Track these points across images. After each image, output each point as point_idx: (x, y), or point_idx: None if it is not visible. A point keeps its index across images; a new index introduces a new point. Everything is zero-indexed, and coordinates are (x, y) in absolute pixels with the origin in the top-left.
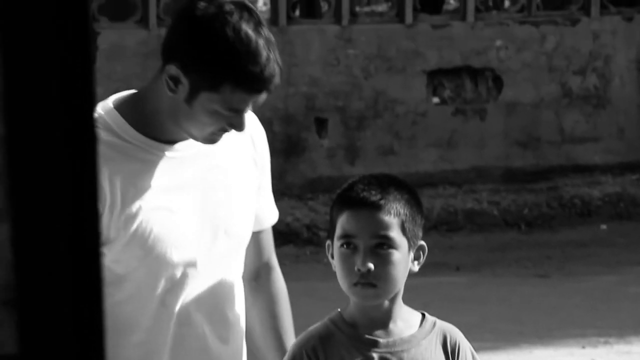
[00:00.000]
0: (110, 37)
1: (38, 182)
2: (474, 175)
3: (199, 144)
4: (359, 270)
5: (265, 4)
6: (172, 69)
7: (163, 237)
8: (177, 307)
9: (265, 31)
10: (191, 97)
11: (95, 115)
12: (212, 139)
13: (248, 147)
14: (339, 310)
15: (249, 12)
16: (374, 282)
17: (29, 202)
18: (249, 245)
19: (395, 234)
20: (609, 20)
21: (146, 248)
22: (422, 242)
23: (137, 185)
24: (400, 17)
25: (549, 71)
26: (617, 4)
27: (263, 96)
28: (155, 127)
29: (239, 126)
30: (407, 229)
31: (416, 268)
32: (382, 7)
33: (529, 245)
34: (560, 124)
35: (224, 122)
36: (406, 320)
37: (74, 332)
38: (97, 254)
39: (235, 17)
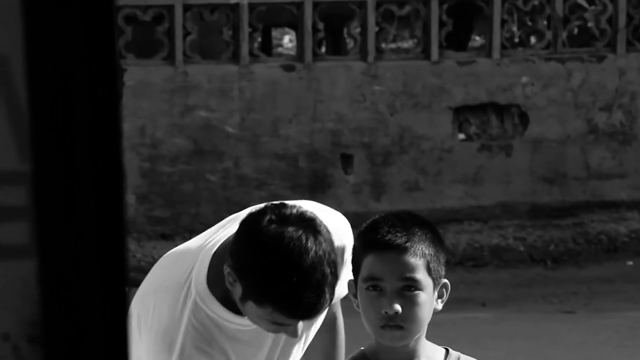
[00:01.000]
0: (137, 74)
1: (65, 218)
2: (499, 211)
3: None
4: (386, 313)
5: (291, 40)
6: (227, 269)
7: None
8: None
9: (322, 253)
10: (242, 300)
11: (194, 307)
12: (271, 331)
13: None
14: (362, 349)
15: (315, 237)
16: (401, 324)
17: (55, 238)
18: None
19: (422, 275)
20: (635, 57)
21: None
22: (445, 280)
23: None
24: (426, 53)
25: (575, 107)
26: None
27: (314, 320)
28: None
29: (292, 334)
30: (432, 269)
31: (440, 306)
32: (408, 44)
33: (555, 281)
34: (587, 160)
35: (275, 328)
36: (430, 358)
37: None
38: (124, 292)
39: (296, 243)
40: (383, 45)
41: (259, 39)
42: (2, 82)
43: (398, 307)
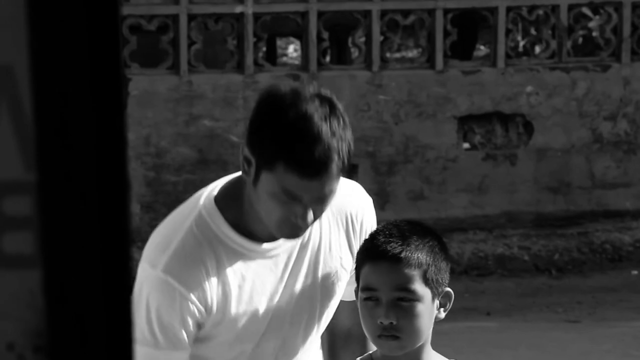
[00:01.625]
0: (142, 83)
1: (70, 228)
2: (504, 221)
3: (291, 243)
4: (381, 323)
5: (296, 50)
6: (245, 150)
7: (246, 338)
8: None
9: (336, 124)
10: (256, 178)
11: (197, 215)
12: (285, 231)
13: (347, 225)
14: (369, 353)
15: (326, 102)
16: (397, 334)
17: (60, 248)
18: (343, 310)
19: (417, 285)
20: (639, 66)
21: (227, 345)
22: (448, 289)
23: (232, 287)
24: (430, 63)
25: (580, 117)
26: None
27: (323, 189)
28: (250, 224)
29: (303, 219)
30: (430, 279)
31: (442, 315)
32: (412, 53)
33: (560, 291)
34: (591, 169)
35: (286, 211)
36: None
37: None
38: (128, 301)
39: (306, 103)
40: (388, 54)
41: (264, 49)
42: (7, 91)
43: (392, 318)
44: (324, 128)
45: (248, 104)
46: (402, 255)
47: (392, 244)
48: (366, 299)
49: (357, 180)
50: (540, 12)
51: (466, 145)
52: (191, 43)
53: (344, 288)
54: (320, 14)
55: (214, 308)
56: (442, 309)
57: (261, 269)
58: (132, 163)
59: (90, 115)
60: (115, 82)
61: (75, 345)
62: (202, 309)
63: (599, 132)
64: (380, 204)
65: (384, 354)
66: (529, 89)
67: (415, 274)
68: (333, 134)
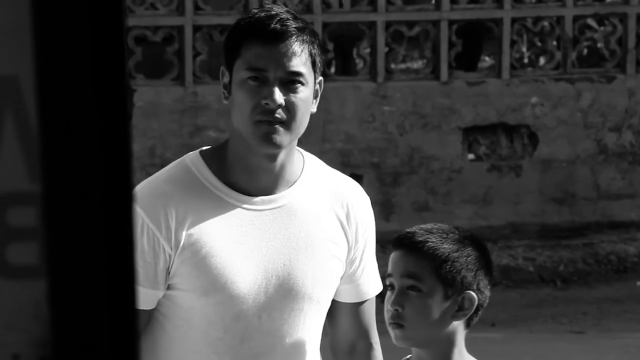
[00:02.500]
0: (147, 94)
1: (75, 239)
2: (509, 232)
3: (281, 200)
4: (389, 310)
5: None
6: (223, 73)
7: (222, 285)
8: (229, 358)
9: (300, 22)
10: (230, 83)
11: (181, 160)
12: (261, 128)
13: (340, 213)
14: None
15: (287, 8)
16: (401, 322)
17: (65, 259)
18: (345, 316)
19: (427, 278)
20: None
21: (202, 293)
22: (470, 293)
23: (206, 230)
24: (435, 74)
25: (585, 128)
26: None
27: (285, 60)
28: (236, 174)
29: (269, 97)
30: (444, 275)
31: (460, 318)
32: (417, 65)
33: (565, 302)
34: (596, 180)
35: (255, 96)
36: None
37: None
38: (134, 311)
39: (269, 5)
40: (392, 65)
41: None
42: (12, 102)
43: (396, 305)
44: (282, 11)
45: None
46: (419, 245)
47: (416, 234)
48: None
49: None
50: (545, 23)
51: (471, 156)
52: (196, 54)
53: (339, 278)
54: (325, 25)
55: (182, 244)
56: (460, 312)
57: (242, 220)
58: (137, 174)
59: (95, 126)
60: (120, 93)
61: (80, 356)
62: (165, 242)
63: (604, 143)
64: (385, 215)
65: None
66: (533, 100)
67: (426, 265)
68: (295, 18)
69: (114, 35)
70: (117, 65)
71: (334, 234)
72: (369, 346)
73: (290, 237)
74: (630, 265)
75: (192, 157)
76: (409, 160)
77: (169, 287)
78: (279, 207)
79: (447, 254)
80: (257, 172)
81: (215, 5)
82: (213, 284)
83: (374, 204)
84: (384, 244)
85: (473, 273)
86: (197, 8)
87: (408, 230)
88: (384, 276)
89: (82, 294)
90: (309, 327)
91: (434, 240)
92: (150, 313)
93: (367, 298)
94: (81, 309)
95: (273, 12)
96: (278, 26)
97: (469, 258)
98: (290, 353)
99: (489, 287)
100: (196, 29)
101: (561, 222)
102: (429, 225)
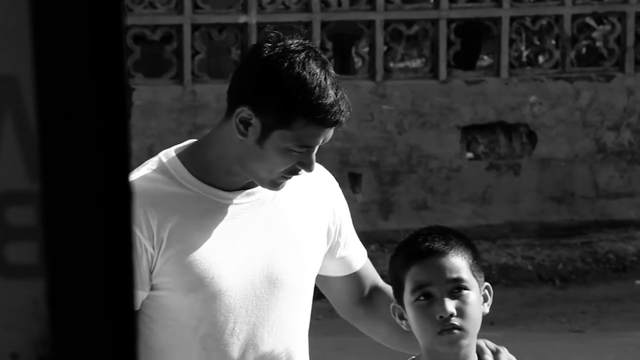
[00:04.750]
0: (145, 93)
1: (73, 238)
2: (508, 230)
3: (259, 193)
4: (441, 317)
5: None
6: (244, 112)
7: (209, 280)
8: (218, 353)
9: (331, 70)
10: (263, 137)
11: (156, 160)
12: (278, 182)
13: (314, 197)
14: (413, 357)
15: (314, 52)
16: (458, 324)
17: (64, 258)
18: (348, 285)
19: (467, 275)
20: None
21: (190, 289)
22: (487, 283)
23: (188, 226)
24: (434, 73)
25: (583, 127)
26: None
27: (330, 133)
28: (215, 174)
29: (309, 165)
30: (474, 270)
31: (487, 309)
32: (416, 63)
33: (564, 301)
34: (595, 179)
35: (294, 161)
36: None
37: None
38: (132, 311)
39: (302, 55)
40: (391, 64)
41: None
42: (11, 101)
43: (452, 308)
44: (328, 78)
45: None
46: (448, 248)
47: (435, 241)
48: (417, 299)
49: (360, 190)
50: (544, 22)
51: (470, 155)
52: (195, 53)
53: (320, 262)
54: (323, 24)
55: (164, 243)
56: (485, 304)
57: (222, 214)
58: None
59: (94, 125)
60: (119, 92)
61: (79, 355)
62: (147, 241)
63: (603, 142)
64: (384, 213)
65: (444, 352)
66: (532, 99)
67: (464, 263)
68: (336, 80)
69: (113, 34)
70: (116, 64)
71: (312, 220)
72: (382, 287)
73: (271, 228)
74: (629, 264)
75: (168, 157)
76: (408, 159)
77: (153, 288)
78: (257, 200)
79: (468, 250)
80: (233, 176)
81: (214, 4)
82: (200, 279)
83: (372, 202)
84: (382, 243)
85: (480, 262)
86: (195, 7)
87: (419, 239)
88: (384, 275)
89: (81, 293)
90: (296, 315)
91: (453, 240)
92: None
93: (360, 267)
94: (80, 308)
95: (324, 86)
96: (338, 105)
97: (473, 248)
98: (279, 342)
99: None
100: (195, 27)
101: (560, 221)
102: (424, 230)
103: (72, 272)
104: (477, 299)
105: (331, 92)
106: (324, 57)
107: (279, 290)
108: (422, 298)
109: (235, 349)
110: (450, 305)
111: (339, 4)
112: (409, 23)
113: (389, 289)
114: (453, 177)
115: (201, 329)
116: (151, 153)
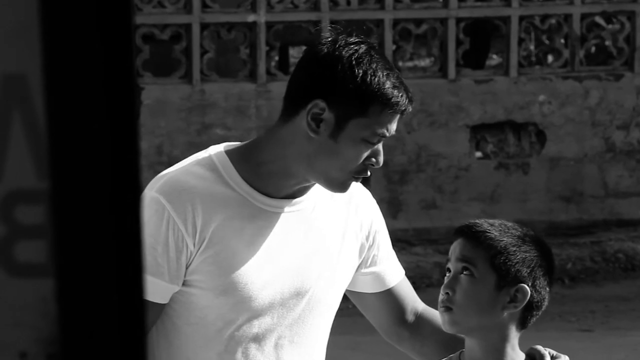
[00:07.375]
0: (154, 92)
1: (83, 237)
2: None
3: (301, 203)
4: (442, 294)
5: None
6: (316, 107)
7: (242, 285)
8: (239, 356)
9: (385, 57)
10: (338, 129)
11: (206, 156)
12: (348, 183)
13: (350, 212)
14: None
15: (373, 45)
16: (450, 305)
17: (73, 257)
18: (384, 302)
19: (481, 264)
20: None
21: (221, 292)
22: (524, 286)
23: (230, 229)
24: (443, 72)
25: (592, 126)
26: None
27: (396, 123)
28: (264, 178)
29: (380, 157)
30: (498, 265)
31: (511, 310)
32: (425, 62)
33: (573, 300)
34: (604, 178)
35: (367, 154)
36: None
37: None
38: (142, 309)
39: (365, 47)
40: (400, 63)
41: (276, 58)
42: (20, 100)
43: (447, 289)
44: (390, 65)
45: (260, 112)
46: (478, 233)
47: (477, 224)
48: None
49: (369, 189)
50: (553, 21)
51: (478, 154)
52: (204, 52)
53: (351, 276)
54: (332, 23)
55: (205, 242)
56: (511, 304)
57: (264, 221)
58: (145, 172)
59: (103, 124)
60: (128, 91)
61: (88, 354)
62: (189, 238)
63: (612, 141)
64: (393, 212)
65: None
66: (541, 98)
67: (482, 252)
68: (395, 70)
69: (122, 33)
70: (125, 63)
71: (347, 235)
72: (422, 307)
73: (308, 239)
74: (638, 264)
75: (218, 155)
76: (417, 158)
77: (184, 284)
78: (298, 210)
79: (504, 245)
80: (286, 180)
81: (223, 3)
82: (233, 284)
83: (381, 201)
84: (391, 242)
85: (529, 269)
86: (204, 6)
87: (472, 220)
88: None
89: (90, 291)
90: (317, 327)
91: (494, 231)
92: (163, 307)
93: (396, 283)
94: (89, 307)
95: (392, 71)
96: (407, 89)
97: (527, 254)
98: (300, 352)
99: (547, 289)
100: (204, 26)
101: (569, 220)
102: (493, 220)
103: (81, 270)
104: (484, 291)
105: (400, 80)
106: (374, 45)
107: (307, 302)
108: (447, 272)
109: (257, 355)
110: (450, 284)
111: (348, 3)
112: (418, 22)
113: (433, 310)
114: (462, 176)
115: (226, 330)
116: (160, 152)
